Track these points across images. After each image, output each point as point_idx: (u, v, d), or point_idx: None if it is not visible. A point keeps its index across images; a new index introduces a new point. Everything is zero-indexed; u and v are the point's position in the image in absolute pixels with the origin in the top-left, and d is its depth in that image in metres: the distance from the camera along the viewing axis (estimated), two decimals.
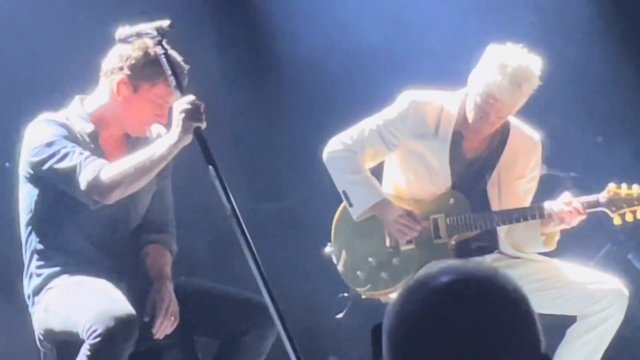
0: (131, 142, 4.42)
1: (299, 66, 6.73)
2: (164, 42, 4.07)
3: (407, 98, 4.99)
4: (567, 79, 6.35)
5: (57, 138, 4.22)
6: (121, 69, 4.31)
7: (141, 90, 4.31)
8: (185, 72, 4.25)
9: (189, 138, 4.02)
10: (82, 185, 4.12)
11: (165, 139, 4.11)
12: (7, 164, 5.58)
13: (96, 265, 4.30)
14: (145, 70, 4.28)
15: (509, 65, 4.74)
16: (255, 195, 6.88)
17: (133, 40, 4.20)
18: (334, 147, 5.08)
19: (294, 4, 6.77)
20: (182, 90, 4.05)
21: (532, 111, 5.05)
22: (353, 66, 6.71)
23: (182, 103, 4.01)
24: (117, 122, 4.38)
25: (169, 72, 4.05)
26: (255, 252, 3.55)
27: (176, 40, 4.22)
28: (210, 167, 3.78)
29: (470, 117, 4.86)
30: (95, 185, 4.11)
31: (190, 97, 4.02)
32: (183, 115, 3.99)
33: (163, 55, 4.06)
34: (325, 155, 5.10)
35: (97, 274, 4.26)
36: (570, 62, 6.43)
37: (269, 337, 4.41)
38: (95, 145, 4.32)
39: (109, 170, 4.13)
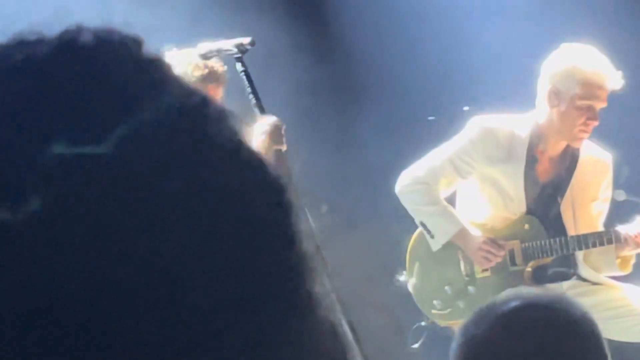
0: None
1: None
2: (243, 59, 4.05)
3: (476, 124, 4.97)
4: None
5: None
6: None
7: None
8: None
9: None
10: None
11: None
12: None
13: None
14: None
15: (595, 55, 4.76)
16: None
17: (213, 56, 4.20)
18: (406, 181, 5.06)
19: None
20: (262, 109, 4.02)
21: (606, 132, 5.00)
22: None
23: (263, 124, 3.98)
24: None
25: (250, 90, 4.02)
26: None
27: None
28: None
29: (566, 128, 4.80)
30: None
31: (273, 119, 4.00)
32: (264, 136, 3.96)
33: (243, 74, 4.03)
34: (398, 189, 5.08)
35: None
36: None
37: None
38: None
39: None
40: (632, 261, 4.95)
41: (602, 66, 4.76)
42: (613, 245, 4.86)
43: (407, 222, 5.15)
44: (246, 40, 4.08)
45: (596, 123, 4.78)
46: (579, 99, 4.74)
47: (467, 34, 6.65)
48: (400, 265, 5.24)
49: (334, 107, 6.76)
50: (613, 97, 4.80)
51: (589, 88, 4.73)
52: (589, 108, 4.75)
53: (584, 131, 4.79)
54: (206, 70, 4.30)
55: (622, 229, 4.85)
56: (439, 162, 5.01)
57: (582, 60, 4.79)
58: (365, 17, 6.97)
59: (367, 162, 6.76)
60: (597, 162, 5.03)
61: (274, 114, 4.04)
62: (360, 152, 6.96)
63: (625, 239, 4.81)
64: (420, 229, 5.09)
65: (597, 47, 4.82)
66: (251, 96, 4.03)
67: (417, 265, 5.18)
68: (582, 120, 4.76)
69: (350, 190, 6.91)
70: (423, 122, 6.47)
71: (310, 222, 3.69)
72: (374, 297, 6.29)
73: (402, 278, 5.23)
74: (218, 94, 4.27)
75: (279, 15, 6.47)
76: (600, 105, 4.78)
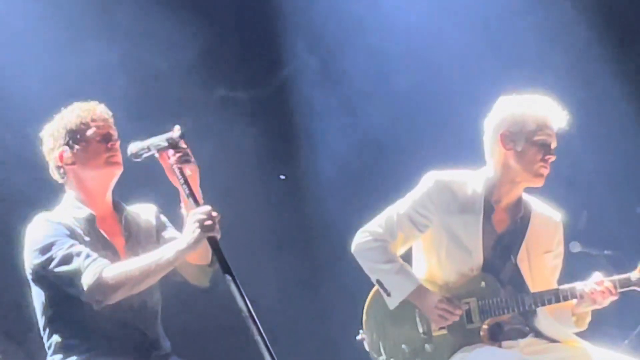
0: (123, 219, 4.45)
1: None
2: (180, 146, 4.08)
3: (431, 178, 4.97)
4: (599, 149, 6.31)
5: (56, 239, 4.23)
6: (52, 150, 4.40)
7: (78, 145, 4.38)
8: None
9: (198, 247, 4.01)
10: (85, 287, 4.11)
11: (174, 244, 4.09)
12: None
13: (119, 353, 4.28)
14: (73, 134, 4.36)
15: (537, 97, 4.86)
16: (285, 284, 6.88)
17: (145, 154, 4.21)
18: (363, 238, 5.03)
19: None
20: (196, 200, 4.03)
21: (562, 185, 5.02)
22: None
23: (196, 213, 3.99)
24: (91, 189, 4.40)
25: (182, 182, 4.05)
26: (271, 350, 3.51)
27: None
28: (227, 275, 3.74)
29: (527, 167, 4.82)
30: (98, 287, 4.09)
31: (206, 208, 4.00)
32: (197, 224, 3.96)
33: (178, 170, 4.05)
34: (354, 247, 5.05)
35: (119, 357, 4.27)
36: (602, 130, 6.39)
37: None
38: (93, 230, 4.34)
39: (112, 270, 4.12)
40: (588, 319, 4.94)
41: (548, 104, 4.86)
42: (569, 302, 4.84)
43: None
44: (176, 133, 4.11)
45: (553, 158, 4.83)
46: (535, 135, 4.81)
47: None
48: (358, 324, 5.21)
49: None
50: (566, 143, 4.83)
51: (542, 123, 4.81)
52: (544, 143, 4.81)
53: (544, 167, 4.84)
54: None
55: (577, 285, 4.83)
56: (396, 217, 4.99)
57: (528, 100, 4.89)
58: None
59: None
60: (548, 219, 5.05)
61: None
62: None
63: (581, 296, 4.80)
64: (376, 287, 5.06)
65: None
66: (185, 187, 4.05)
67: (373, 323, 5.15)
68: (541, 156, 4.82)
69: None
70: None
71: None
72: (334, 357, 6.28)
73: (359, 337, 5.18)
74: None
75: None
76: (553, 141, 4.83)
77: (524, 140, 4.83)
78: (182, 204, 4.26)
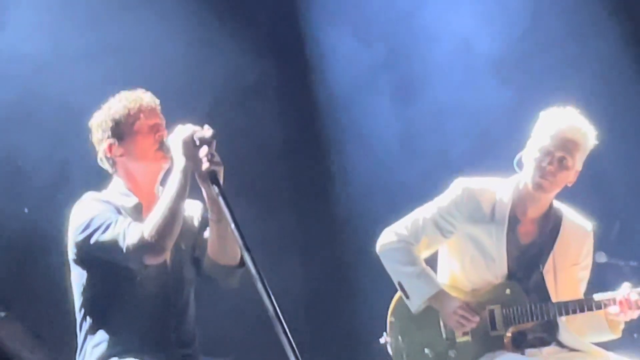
0: None
1: None
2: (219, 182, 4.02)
3: (459, 185, 4.97)
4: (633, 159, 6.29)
5: (99, 212, 4.24)
6: (101, 141, 4.39)
7: (126, 138, 4.37)
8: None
9: (191, 163, 4.06)
10: (131, 249, 4.10)
11: (174, 170, 4.12)
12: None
13: (148, 346, 4.30)
14: (120, 126, 4.36)
15: (569, 113, 4.83)
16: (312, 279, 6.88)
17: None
18: (388, 239, 5.05)
19: None
20: (228, 206, 3.90)
21: (591, 196, 5.00)
22: None
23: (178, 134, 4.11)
24: (139, 181, 4.40)
25: (218, 192, 3.97)
26: (296, 349, 3.51)
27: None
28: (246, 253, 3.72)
29: (536, 177, 4.80)
30: (143, 245, 4.09)
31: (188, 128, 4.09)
32: (180, 143, 4.08)
33: (219, 196, 3.96)
34: (378, 247, 5.07)
35: (148, 356, 4.26)
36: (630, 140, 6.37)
37: None
38: (140, 218, 4.31)
39: (148, 225, 4.12)
40: (622, 326, 4.91)
41: (566, 117, 4.83)
42: (602, 310, 4.82)
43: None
44: (207, 132, 4.11)
45: (552, 168, 4.77)
46: (545, 146, 4.79)
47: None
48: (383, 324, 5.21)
49: None
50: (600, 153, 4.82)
51: (554, 135, 4.79)
52: (548, 152, 4.79)
53: (542, 177, 4.79)
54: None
55: (603, 296, 4.81)
56: (422, 221, 5.00)
57: (552, 114, 4.87)
58: None
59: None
60: (579, 229, 5.01)
61: None
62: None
63: (606, 306, 4.78)
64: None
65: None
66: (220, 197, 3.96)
67: (397, 327, 5.15)
68: (541, 165, 4.79)
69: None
70: None
71: None
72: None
73: (382, 340, 5.19)
74: None
75: None
76: (560, 152, 4.78)
77: (537, 151, 4.82)
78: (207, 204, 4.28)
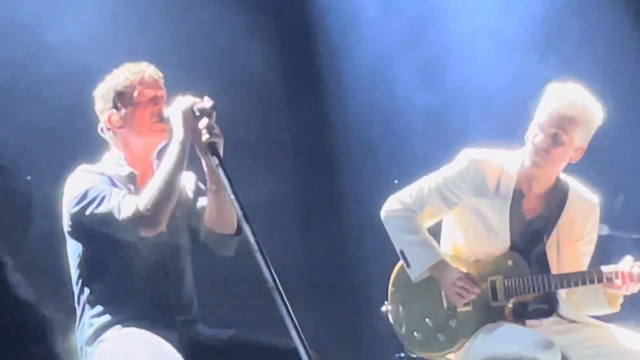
0: None
1: None
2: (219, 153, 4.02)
3: (466, 156, 4.97)
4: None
5: (93, 185, 4.24)
6: (102, 111, 4.42)
7: (125, 109, 4.39)
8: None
9: (190, 133, 4.09)
10: (126, 221, 4.11)
11: (173, 141, 4.14)
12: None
13: (147, 314, 4.32)
14: (121, 97, 4.38)
15: (570, 89, 4.79)
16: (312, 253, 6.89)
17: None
18: (392, 206, 5.06)
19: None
20: (228, 177, 3.88)
21: (595, 169, 4.98)
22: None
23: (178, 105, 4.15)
24: (136, 152, 4.42)
25: (218, 163, 3.96)
26: (297, 324, 3.51)
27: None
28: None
29: (531, 153, 4.79)
30: (139, 217, 4.10)
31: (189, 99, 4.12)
32: (180, 114, 4.12)
33: (219, 167, 3.94)
34: (383, 214, 5.08)
35: (148, 322, 4.29)
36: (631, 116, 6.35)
37: None
38: (134, 187, 4.35)
39: (144, 197, 4.13)
40: (620, 300, 4.91)
41: (565, 92, 4.79)
42: (601, 284, 4.82)
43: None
44: (207, 103, 4.14)
45: (545, 145, 4.74)
46: (543, 122, 4.77)
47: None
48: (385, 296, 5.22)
49: None
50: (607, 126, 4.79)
51: (551, 111, 4.76)
52: (542, 128, 4.76)
53: (535, 153, 4.78)
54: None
55: (605, 269, 4.80)
56: (427, 190, 5.00)
57: (554, 89, 4.83)
58: None
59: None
60: (585, 203, 5.00)
61: None
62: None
63: (608, 279, 4.77)
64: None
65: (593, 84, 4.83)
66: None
67: (398, 296, 5.16)
68: (534, 141, 4.77)
69: None
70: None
71: None
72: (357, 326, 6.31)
73: (383, 308, 5.20)
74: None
75: None
76: (553, 129, 4.75)
77: (536, 127, 4.80)
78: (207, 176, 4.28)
